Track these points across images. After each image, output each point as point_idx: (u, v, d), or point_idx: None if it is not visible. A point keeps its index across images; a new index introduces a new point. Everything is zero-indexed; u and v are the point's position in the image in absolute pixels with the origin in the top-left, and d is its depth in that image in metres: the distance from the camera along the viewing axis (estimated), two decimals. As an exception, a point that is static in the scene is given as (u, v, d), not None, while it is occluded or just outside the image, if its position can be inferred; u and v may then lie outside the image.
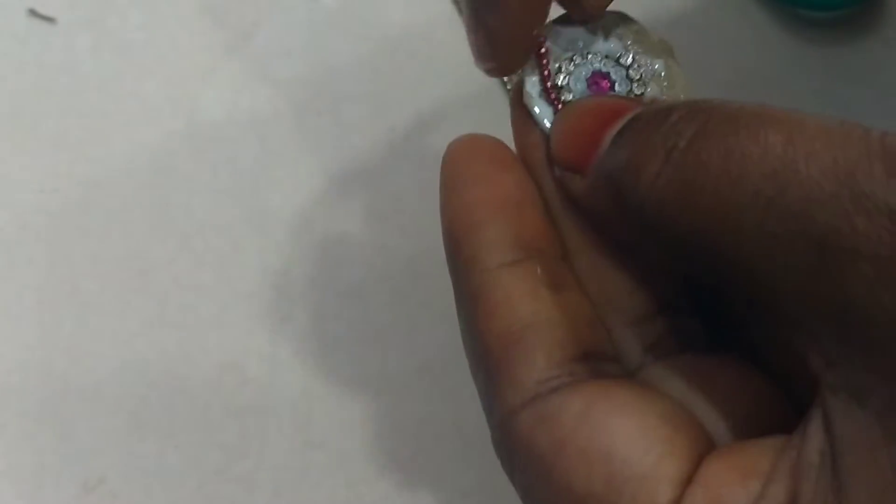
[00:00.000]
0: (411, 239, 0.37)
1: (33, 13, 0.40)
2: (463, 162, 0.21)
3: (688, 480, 0.17)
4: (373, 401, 0.35)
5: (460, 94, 0.38)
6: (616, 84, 0.22)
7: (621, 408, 0.18)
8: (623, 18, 0.23)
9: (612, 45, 0.23)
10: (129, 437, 0.35)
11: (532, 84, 0.22)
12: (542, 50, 0.22)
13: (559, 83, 0.22)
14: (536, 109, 0.22)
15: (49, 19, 0.40)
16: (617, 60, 0.23)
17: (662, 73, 0.22)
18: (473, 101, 0.38)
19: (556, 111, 0.22)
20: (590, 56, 0.22)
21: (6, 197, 0.38)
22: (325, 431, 0.35)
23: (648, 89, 0.22)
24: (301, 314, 0.36)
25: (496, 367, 0.19)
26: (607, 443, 0.18)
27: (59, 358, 0.36)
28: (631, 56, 0.23)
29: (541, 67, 0.22)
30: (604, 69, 0.22)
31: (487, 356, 0.19)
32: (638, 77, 0.22)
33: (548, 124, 0.22)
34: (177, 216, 0.37)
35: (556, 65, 0.22)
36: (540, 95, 0.22)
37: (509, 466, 0.19)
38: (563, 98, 0.22)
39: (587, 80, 0.22)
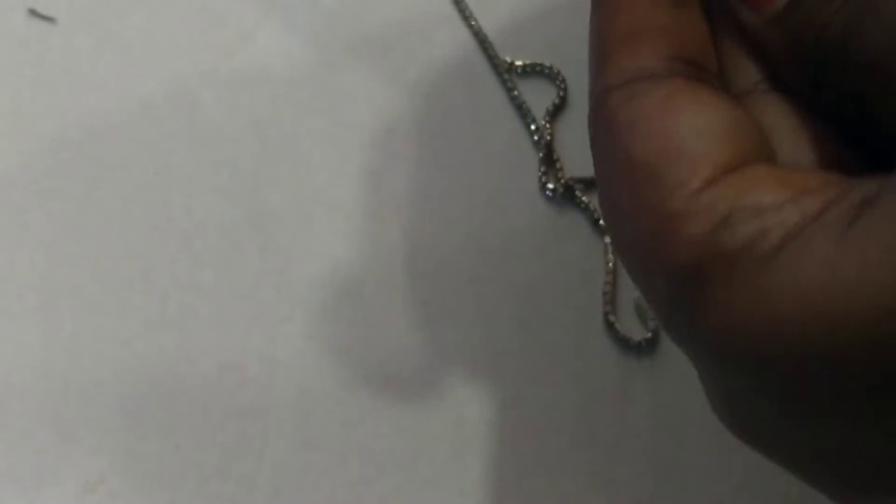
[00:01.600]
0: (411, 239, 0.37)
1: (33, 13, 0.40)
2: None
3: (732, 170, 0.19)
4: (373, 401, 0.35)
5: (460, 93, 0.38)
6: None
7: (699, 103, 0.20)
8: None
9: None
10: (129, 437, 0.35)
11: None
12: None
13: None
14: None
15: (49, 19, 0.40)
16: None
17: None
18: (473, 101, 0.38)
19: None
20: None
21: (6, 197, 0.38)
22: (325, 431, 0.35)
23: None
24: (301, 314, 0.36)
25: (605, 55, 0.21)
26: (673, 124, 0.20)
27: (59, 358, 0.36)
28: None
29: None
30: None
31: (601, 46, 0.22)
32: None
33: None
34: (177, 216, 0.37)
35: None
36: None
37: (592, 137, 0.22)
38: None
39: None
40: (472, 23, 0.39)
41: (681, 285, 0.19)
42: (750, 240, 0.18)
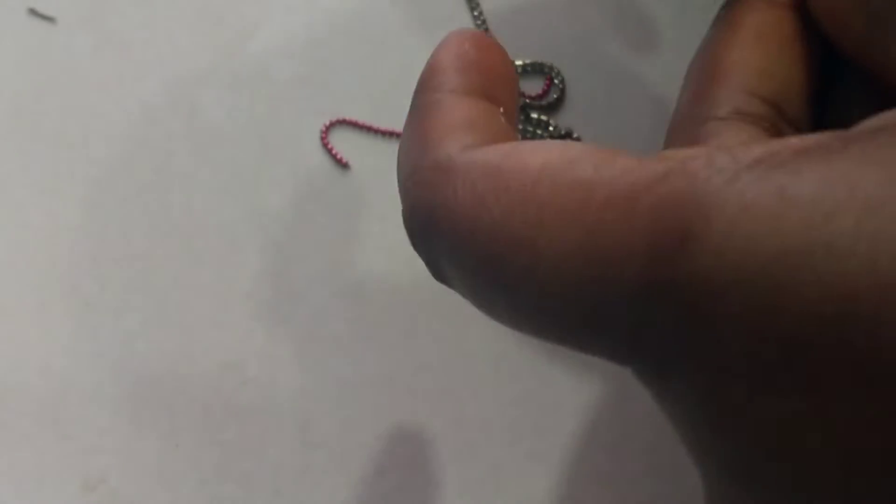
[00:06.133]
0: (411, 239, 0.37)
1: (33, 13, 0.40)
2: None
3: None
4: (373, 401, 0.35)
5: (460, 93, 0.38)
6: None
7: None
8: None
9: None
10: (129, 437, 0.35)
11: None
12: None
13: None
14: None
15: (49, 19, 0.40)
16: None
17: None
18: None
19: None
20: None
21: (6, 197, 0.38)
22: (325, 431, 0.35)
23: None
24: (301, 314, 0.36)
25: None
26: None
27: (59, 358, 0.36)
28: None
29: None
30: None
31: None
32: None
33: None
34: (177, 216, 0.37)
35: None
36: None
37: None
38: None
39: None
40: (476, 23, 0.39)
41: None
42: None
